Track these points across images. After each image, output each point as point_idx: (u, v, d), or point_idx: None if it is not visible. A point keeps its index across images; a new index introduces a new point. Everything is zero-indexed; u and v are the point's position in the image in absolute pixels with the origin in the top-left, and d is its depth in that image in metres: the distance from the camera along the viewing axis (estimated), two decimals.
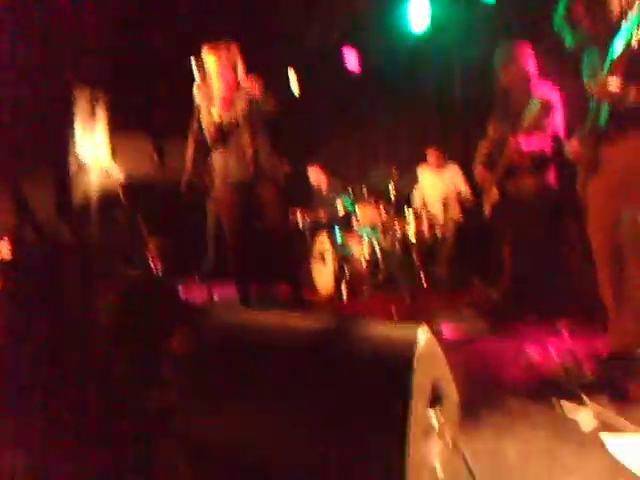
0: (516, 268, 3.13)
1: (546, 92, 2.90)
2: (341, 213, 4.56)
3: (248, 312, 1.56)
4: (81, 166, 4.98)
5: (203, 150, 3.14)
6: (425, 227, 3.66)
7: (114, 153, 5.43)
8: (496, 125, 3.17)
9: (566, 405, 1.64)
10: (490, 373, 2.15)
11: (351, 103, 5.67)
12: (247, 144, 2.99)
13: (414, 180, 4.14)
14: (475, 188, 3.69)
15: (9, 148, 4.87)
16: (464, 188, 4.12)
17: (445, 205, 3.73)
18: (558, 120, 2.88)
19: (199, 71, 2.80)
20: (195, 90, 2.80)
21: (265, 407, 1.30)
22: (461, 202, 4.10)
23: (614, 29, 1.89)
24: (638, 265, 1.86)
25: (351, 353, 1.26)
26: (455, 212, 4.08)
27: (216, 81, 2.97)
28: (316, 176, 5.33)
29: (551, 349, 2.33)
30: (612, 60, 1.76)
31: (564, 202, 2.89)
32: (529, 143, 2.84)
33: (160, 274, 4.98)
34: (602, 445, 1.37)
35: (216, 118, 2.95)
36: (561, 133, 2.86)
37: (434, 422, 1.31)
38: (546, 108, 2.73)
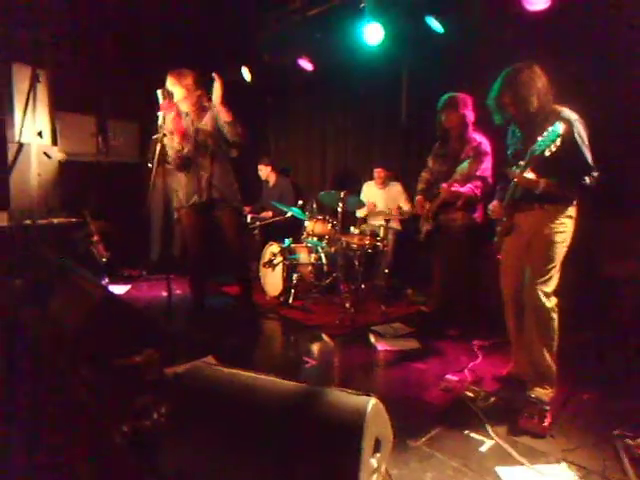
0: (442, 288, 3.58)
1: (479, 140, 3.29)
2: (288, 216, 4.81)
3: (219, 370, 1.77)
4: (20, 146, 4.77)
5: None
6: (367, 240, 4.00)
7: (56, 134, 5.22)
8: (435, 160, 3.53)
9: (475, 438, 2.07)
10: (415, 395, 2.56)
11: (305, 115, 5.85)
12: (206, 169, 3.13)
13: (359, 197, 4.45)
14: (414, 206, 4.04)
15: None
16: (405, 206, 4.49)
17: (386, 220, 4.10)
18: (488, 165, 3.28)
19: (164, 98, 2.86)
20: (160, 118, 2.87)
21: (235, 456, 1.57)
22: (401, 218, 4.47)
23: (534, 121, 2.28)
24: (530, 319, 2.32)
25: (315, 418, 1.56)
26: (395, 226, 4.46)
27: (182, 108, 3.05)
28: (266, 172, 5.50)
29: (466, 371, 2.79)
30: (531, 156, 2.13)
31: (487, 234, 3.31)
32: (461, 186, 3.22)
33: (105, 262, 4.98)
34: (498, 477, 1.81)
35: (178, 146, 3.05)
36: (489, 177, 3.27)
37: (375, 464, 1.67)
38: (477, 158, 3.11)
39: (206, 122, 3.13)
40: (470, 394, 2.50)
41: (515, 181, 2.26)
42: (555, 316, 2.30)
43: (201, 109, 3.16)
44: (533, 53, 3.31)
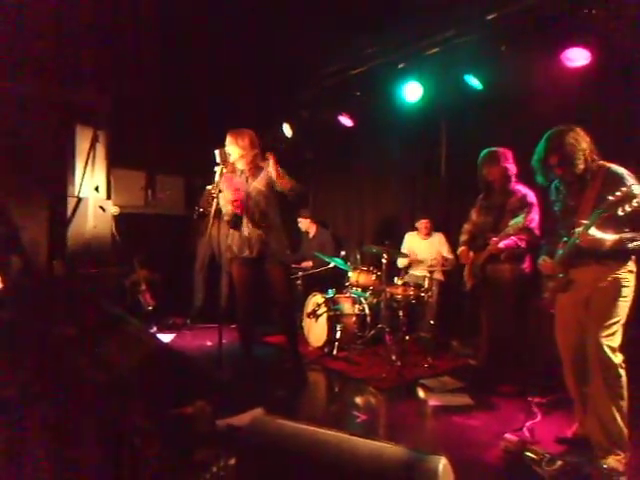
0: (491, 340, 3.48)
1: (524, 191, 3.30)
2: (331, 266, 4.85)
3: (284, 424, 1.76)
4: (79, 200, 5.07)
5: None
6: (411, 290, 3.98)
7: (110, 188, 5.53)
8: (480, 212, 3.53)
9: None
10: (474, 455, 2.45)
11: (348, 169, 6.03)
12: (257, 226, 3.24)
13: (402, 247, 4.49)
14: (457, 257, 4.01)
15: (5, 181, 4.91)
16: (449, 256, 4.49)
17: (430, 271, 4.09)
18: (534, 217, 3.25)
19: (222, 159, 3.02)
20: (217, 177, 3.02)
21: None
22: (445, 269, 4.44)
23: (583, 179, 2.29)
24: (597, 377, 2.22)
25: (388, 477, 1.51)
26: (439, 277, 4.43)
27: (238, 166, 3.22)
28: (306, 225, 5.60)
29: (525, 431, 2.66)
30: (599, 215, 2.12)
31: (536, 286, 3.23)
32: (508, 240, 3.21)
33: (151, 311, 5.10)
34: None
35: (231, 207, 3.20)
36: (536, 229, 3.23)
37: None
38: (527, 211, 3.10)
39: (260, 181, 3.28)
40: (533, 456, 2.37)
41: (576, 240, 2.23)
42: (623, 373, 2.19)
43: (256, 168, 3.31)
44: (572, 109, 3.42)
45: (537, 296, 2.79)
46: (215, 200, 3.12)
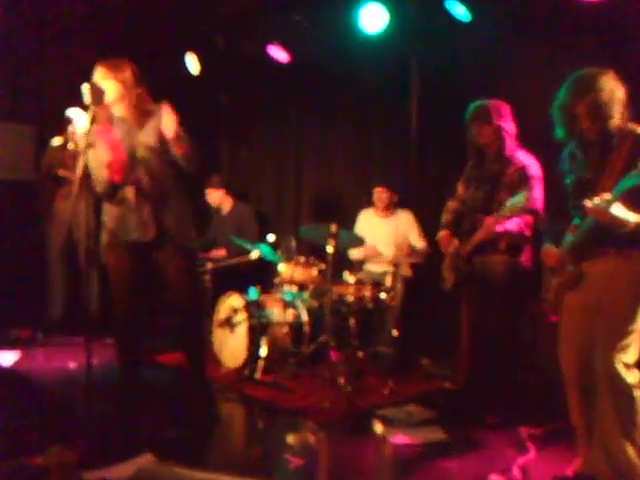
0: (474, 357, 3.61)
1: (524, 161, 3.42)
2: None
3: (173, 471, 1.73)
4: None
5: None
6: (367, 291, 4.04)
7: None
8: (468, 185, 3.64)
9: None
10: None
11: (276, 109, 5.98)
12: (149, 197, 3.13)
13: (354, 230, 4.58)
14: (432, 245, 4.10)
15: None
16: (420, 244, 4.60)
17: (394, 263, 4.17)
18: (538, 195, 3.39)
19: (94, 98, 2.80)
20: (80, 121, 2.82)
21: None
22: (413, 261, 4.56)
23: (608, 141, 2.41)
24: (605, 400, 2.37)
25: None
26: (405, 271, 4.52)
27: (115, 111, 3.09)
28: (217, 197, 5.49)
29: (515, 470, 2.80)
30: (623, 189, 2.22)
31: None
32: (511, 224, 3.33)
33: None
34: None
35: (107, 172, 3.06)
36: (540, 209, 3.37)
37: None
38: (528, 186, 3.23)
39: (149, 132, 3.12)
40: None
41: (591, 216, 2.31)
42: (638, 395, 2.35)
43: (143, 114, 3.15)
44: (585, 52, 3.60)
45: (536, 299, 2.92)
46: (83, 159, 2.89)
